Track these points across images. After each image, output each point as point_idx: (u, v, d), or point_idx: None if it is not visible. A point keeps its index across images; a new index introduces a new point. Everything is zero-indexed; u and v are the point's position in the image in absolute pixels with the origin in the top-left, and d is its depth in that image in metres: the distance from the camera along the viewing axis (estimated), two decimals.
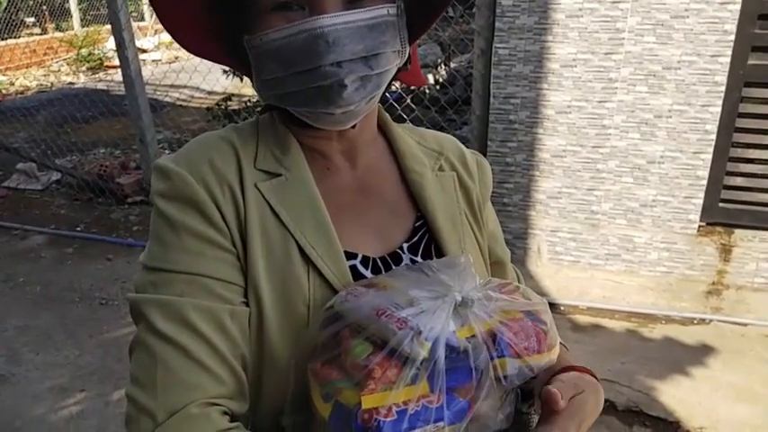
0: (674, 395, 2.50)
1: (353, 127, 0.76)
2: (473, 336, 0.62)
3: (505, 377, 0.63)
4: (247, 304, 0.69)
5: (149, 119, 4.28)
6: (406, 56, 0.75)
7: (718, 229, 3.11)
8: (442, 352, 0.59)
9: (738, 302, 3.03)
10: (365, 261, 0.76)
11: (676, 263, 3.13)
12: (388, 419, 0.56)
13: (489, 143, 3.27)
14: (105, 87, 8.13)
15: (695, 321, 2.98)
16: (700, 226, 3.10)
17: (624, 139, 3.03)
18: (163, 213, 0.69)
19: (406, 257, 0.78)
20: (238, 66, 0.77)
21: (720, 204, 3.08)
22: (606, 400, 2.48)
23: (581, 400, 0.66)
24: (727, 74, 2.86)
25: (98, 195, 4.78)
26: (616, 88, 2.98)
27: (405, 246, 0.79)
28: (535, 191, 3.27)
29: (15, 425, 2.49)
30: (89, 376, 2.79)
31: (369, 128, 0.82)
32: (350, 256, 0.74)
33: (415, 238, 0.80)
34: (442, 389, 0.58)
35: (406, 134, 0.87)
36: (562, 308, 3.13)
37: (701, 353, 2.76)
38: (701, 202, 3.05)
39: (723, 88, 2.88)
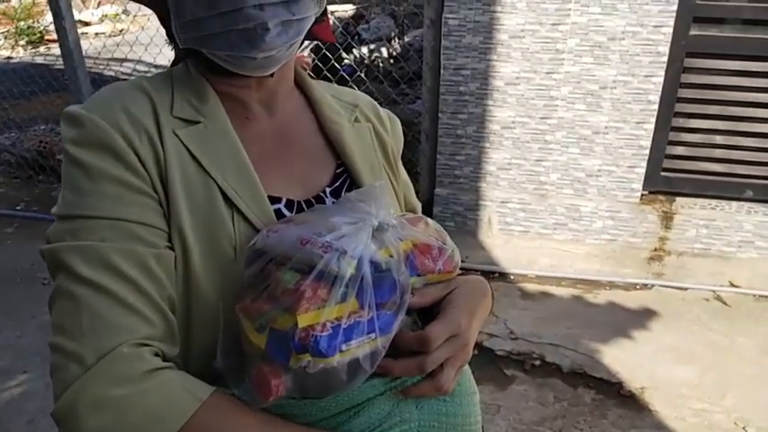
0: (617, 357, 2.59)
1: (272, 76, 0.77)
2: (391, 256, 0.66)
3: (412, 294, 0.68)
4: (172, 249, 0.68)
5: (90, 92, 4.12)
6: (324, 5, 0.76)
7: (660, 197, 3.21)
8: (367, 268, 0.62)
9: (679, 268, 3.14)
10: (289, 204, 0.77)
11: (620, 231, 3.22)
12: (324, 334, 0.58)
13: (440, 115, 3.27)
14: (45, 62, 7.77)
15: (638, 287, 3.08)
16: (642, 194, 3.19)
17: (571, 111, 3.08)
18: (76, 160, 0.67)
19: (329, 201, 0.80)
20: (153, 5, 0.74)
21: (662, 173, 3.18)
22: (552, 363, 2.56)
23: (460, 293, 0.73)
24: (669, 44, 2.92)
25: (38, 173, 4.60)
26: (563, 59, 3.01)
27: (327, 190, 0.81)
28: (486, 162, 3.30)
29: None
30: (31, 358, 2.70)
31: (286, 79, 0.82)
32: (274, 200, 0.75)
33: (337, 183, 0.83)
34: (371, 304, 0.62)
35: (322, 89, 0.89)
36: (512, 277, 3.19)
37: (643, 316, 2.86)
38: (643, 171, 3.13)
39: (666, 59, 2.95)
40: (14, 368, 2.63)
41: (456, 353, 0.69)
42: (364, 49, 5.97)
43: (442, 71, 3.20)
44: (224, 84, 0.76)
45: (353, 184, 0.83)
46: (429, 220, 0.79)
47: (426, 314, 0.72)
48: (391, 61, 5.85)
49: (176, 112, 0.72)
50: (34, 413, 2.38)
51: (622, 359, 2.58)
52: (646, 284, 3.07)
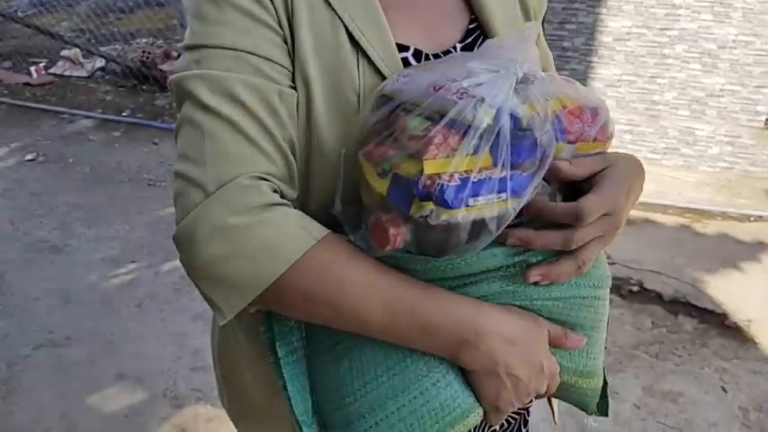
0: (724, 289, 2.44)
1: None
2: (537, 113, 0.57)
3: (562, 165, 0.60)
4: (295, 89, 0.65)
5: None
6: None
7: None
8: (506, 121, 0.55)
9: None
10: (417, 55, 0.71)
11: (738, 158, 2.96)
12: (452, 184, 0.53)
13: (546, 25, 3.06)
14: None
15: (752, 218, 2.85)
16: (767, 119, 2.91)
17: (695, 21, 2.79)
18: None
19: None
20: None
21: None
22: (651, 290, 2.45)
23: (618, 168, 0.64)
24: None
25: (142, 82, 4.77)
26: None
27: (458, 46, 0.74)
28: (592, 79, 3.09)
29: (70, 290, 2.61)
30: (139, 249, 2.87)
31: None
32: (401, 48, 0.69)
33: (469, 40, 0.75)
34: (506, 161, 0.55)
35: None
36: None
37: (756, 249, 2.66)
38: None
39: None
40: (124, 258, 2.82)
41: (606, 232, 0.62)
42: None
43: None
44: None
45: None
46: (579, 85, 0.69)
47: (571, 187, 0.64)
48: None
49: None
50: (142, 298, 2.55)
51: (729, 291, 2.43)
52: (762, 216, 2.84)
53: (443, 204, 0.53)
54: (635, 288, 2.49)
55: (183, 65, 0.65)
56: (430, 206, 0.53)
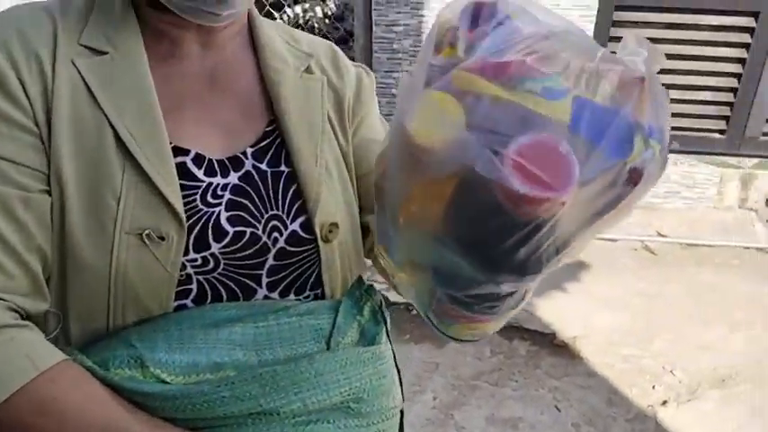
0: (551, 309, 2.64)
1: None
2: None
3: None
4: (49, 193, 0.61)
5: None
6: None
7: None
8: None
9: None
10: (198, 159, 0.67)
11: None
12: None
13: (374, 74, 3.19)
14: None
15: None
16: None
17: None
18: None
19: (248, 163, 0.70)
20: None
21: None
22: None
23: None
24: None
25: None
26: None
27: (249, 151, 0.71)
28: None
29: None
30: None
31: (237, 22, 0.73)
32: (180, 151, 0.66)
33: (264, 142, 0.72)
34: None
35: (275, 31, 0.78)
36: None
37: (575, 268, 2.92)
38: None
39: (595, 12, 2.94)
40: None
41: None
42: (298, 9, 5.78)
43: (374, 28, 3.11)
44: (158, 19, 0.67)
45: (283, 144, 0.72)
46: None
47: None
48: (326, 21, 5.68)
49: (85, 39, 0.64)
50: None
51: (556, 311, 2.64)
52: None
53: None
54: None
55: None
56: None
